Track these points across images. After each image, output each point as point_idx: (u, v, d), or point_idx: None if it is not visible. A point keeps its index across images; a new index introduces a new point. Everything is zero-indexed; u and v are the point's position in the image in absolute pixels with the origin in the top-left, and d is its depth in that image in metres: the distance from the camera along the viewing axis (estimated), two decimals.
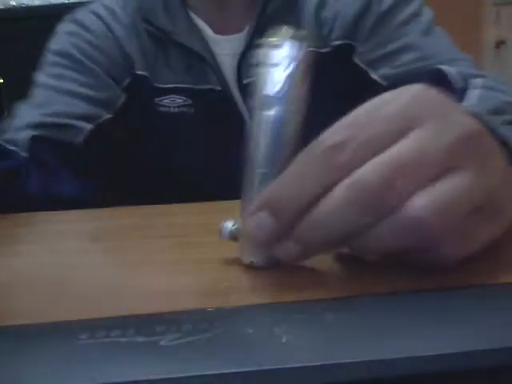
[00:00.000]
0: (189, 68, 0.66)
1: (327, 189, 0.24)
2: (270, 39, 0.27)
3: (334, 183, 0.24)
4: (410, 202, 0.23)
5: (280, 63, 0.27)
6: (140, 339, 0.20)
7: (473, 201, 0.24)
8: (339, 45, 0.65)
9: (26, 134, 0.56)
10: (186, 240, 0.37)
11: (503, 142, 0.33)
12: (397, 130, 0.24)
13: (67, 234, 0.41)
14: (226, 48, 0.67)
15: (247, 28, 0.66)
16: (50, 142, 0.57)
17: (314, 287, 0.26)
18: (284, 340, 0.19)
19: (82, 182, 0.60)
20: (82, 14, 0.68)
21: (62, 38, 0.66)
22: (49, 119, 0.59)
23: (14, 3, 2.34)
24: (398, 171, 0.23)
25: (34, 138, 0.55)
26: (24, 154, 0.54)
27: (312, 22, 0.65)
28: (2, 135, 0.56)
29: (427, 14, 0.65)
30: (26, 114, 0.60)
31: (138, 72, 0.66)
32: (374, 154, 0.24)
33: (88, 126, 0.60)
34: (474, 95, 0.46)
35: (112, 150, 0.65)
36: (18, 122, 0.59)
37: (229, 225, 0.29)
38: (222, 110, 0.67)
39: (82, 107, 0.61)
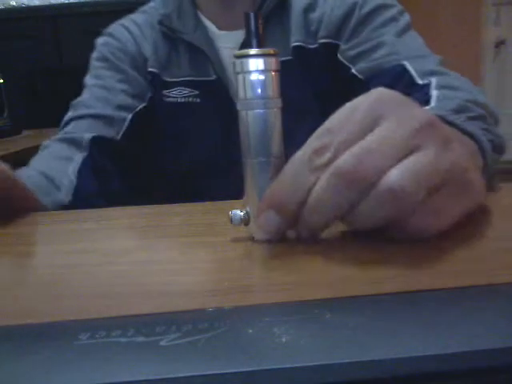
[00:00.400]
0: (194, 63, 0.77)
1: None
2: (247, 51, 0.32)
3: None
4: (385, 176, 0.27)
5: (256, 70, 0.32)
6: (140, 339, 0.20)
7: (439, 173, 0.28)
8: (325, 43, 0.74)
9: (85, 133, 0.69)
10: (186, 240, 0.37)
11: (471, 136, 0.40)
12: (366, 128, 0.29)
13: (67, 234, 0.41)
14: (227, 42, 0.76)
15: None
16: (102, 141, 0.70)
17: (314, 287, 0.26)
18: (284, 340, 0.19)
19: (123, 180, 0.72)
20: (113, 28, 0.83)
21: (100, 48, 0.82)
22: (96, 111, 0.73)
23: (14, 3, 2.35)
24: (363, 156, 0.28)
25: (92, 140, 0.68)
26: (85, 154, 0.67)
27: (301, 21, 0.75)
28: (64, 128, 0.72)
29: (404, 20, 0.73)
30: (78, 109, 0.74)
31: (149, 69, 0.78)
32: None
33: (127, 116, 0.74)
34: (434, 98, 0.53)
35: (142, 144, 0.78)
36: (71, 115, 0.73)
37: (237, 212, 0.34)
38: (221, 99, 0.77)
39: (121, 99, 0.75)
